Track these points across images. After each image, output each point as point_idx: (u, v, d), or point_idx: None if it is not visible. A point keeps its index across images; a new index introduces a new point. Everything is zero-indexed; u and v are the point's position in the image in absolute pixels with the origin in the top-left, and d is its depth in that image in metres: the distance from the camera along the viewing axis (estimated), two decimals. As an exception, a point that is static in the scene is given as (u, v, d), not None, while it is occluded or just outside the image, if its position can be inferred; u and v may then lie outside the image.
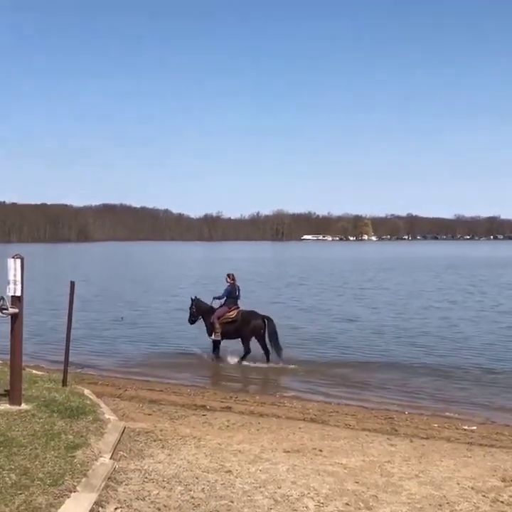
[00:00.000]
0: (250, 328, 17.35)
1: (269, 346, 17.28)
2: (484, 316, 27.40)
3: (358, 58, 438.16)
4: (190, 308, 18.35)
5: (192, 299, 18.43)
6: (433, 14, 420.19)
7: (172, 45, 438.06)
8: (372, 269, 67.52)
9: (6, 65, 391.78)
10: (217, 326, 17.49)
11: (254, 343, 17.48)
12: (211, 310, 17.92)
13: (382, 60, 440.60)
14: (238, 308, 17.83)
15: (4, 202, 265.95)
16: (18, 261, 9.01)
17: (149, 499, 6.81)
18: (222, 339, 17.73)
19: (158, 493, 6.98)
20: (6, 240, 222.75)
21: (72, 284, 11.04)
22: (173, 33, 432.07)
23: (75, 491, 6.46)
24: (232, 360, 17.29)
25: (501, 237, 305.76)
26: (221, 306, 17.88)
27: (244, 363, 17.07)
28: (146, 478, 7.47)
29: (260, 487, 7.29)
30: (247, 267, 69.46)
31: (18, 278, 8.99)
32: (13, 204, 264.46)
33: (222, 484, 7.36)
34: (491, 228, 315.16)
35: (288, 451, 8.86)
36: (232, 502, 6.83)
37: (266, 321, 17.43)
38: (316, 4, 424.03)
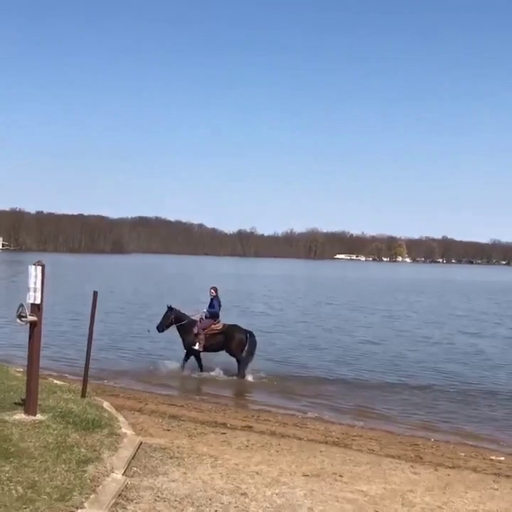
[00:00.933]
0: (236, 341, 17.55)
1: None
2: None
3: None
4: (166, 316, 18.13)
5: (169, 307, 18.27)
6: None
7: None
8: (406, 291, 66.58)
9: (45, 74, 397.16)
10: (201, 336, 17.50)
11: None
12: (192, 322, 17.90)
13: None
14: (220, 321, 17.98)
15: (42, 211, 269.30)
16: (39, 268, 8.88)
17: (159, 520, 6.58)
18: (204, 351, 17.79)
19: (168, 514, 6.75)
20: (42, 249, 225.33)
21: (95, 294, 10.91)
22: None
23: (82, 508, 6.24)
24: (249, 377, 17.17)
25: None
26: (206, 318, 17.85)
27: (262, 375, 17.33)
28: (158, 497, 7.24)
29: (275, 512, 7.02)
30: (276, 284, 69.27)
31: (39, 285, 8.85)
32: (50, 214, 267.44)
33: (235, 507, 7.10)
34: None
35: (307, 475, 8.57)
36: (245, 527, 6.57)
37: (248, 335, 17.72)
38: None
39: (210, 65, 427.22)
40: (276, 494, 7.63)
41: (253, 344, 17.60)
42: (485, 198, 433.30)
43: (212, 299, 17.76)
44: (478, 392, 16.84)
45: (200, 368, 17.76)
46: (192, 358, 17.83)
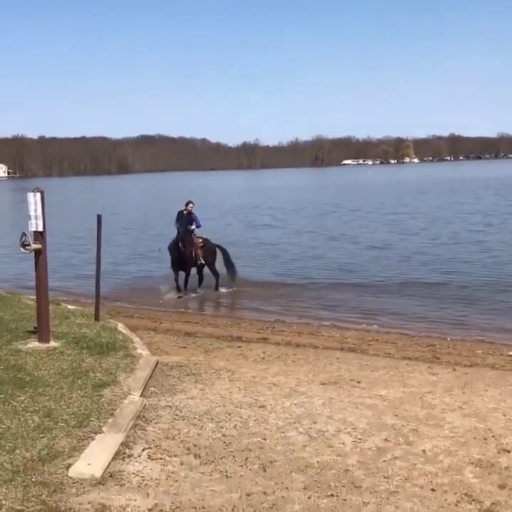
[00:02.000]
0: (214, 253, 17.54)
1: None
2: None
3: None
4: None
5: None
6: None
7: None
8: (411, 192, 65.60)
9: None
10: (199, 252, 17.11)
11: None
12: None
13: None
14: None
15: (44, 136, 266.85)
16: (38, 195, 8.66)
17: (179, 438, 6.57)
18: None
19: (188, 432, 6.74)
20: (48, 174, 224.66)
21: (99, 217, 10.73)
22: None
23: (100, 433, 6.23)
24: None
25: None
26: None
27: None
28: (177, 415, 7.24)
29: (295, 423, 7.01)
30: (282, 195, 68.63)
31: (39, 212, 8.67)
32: (53, 138, 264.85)
33: (255, 420, 7.10)
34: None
35: (325, 384, 8.55)
36: (264, 439, 6.56)
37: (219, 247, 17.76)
38: None
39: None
40: (295, 404, 7.62)
41: (227, 254, 17.68)
42: (491, 92, 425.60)
43: (192, 214, 17.20)
44: (489, 288, 16.74)
45: (201, 283, 17.53)
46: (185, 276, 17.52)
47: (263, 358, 10.08)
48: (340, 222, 36.59)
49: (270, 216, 41.68)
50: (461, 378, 8.88)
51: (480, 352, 10.85)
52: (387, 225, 34.11)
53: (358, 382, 8.58)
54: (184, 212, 16.99)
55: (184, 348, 10.88)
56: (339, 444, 6.42)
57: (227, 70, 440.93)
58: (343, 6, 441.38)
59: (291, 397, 7.92)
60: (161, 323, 13.41)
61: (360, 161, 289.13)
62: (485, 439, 6.49)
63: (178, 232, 16.99)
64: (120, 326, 11.14)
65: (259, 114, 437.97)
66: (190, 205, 17.07)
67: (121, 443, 6.20)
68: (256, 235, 31.00)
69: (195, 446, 6.37)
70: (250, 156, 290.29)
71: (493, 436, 6.56)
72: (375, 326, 13.30)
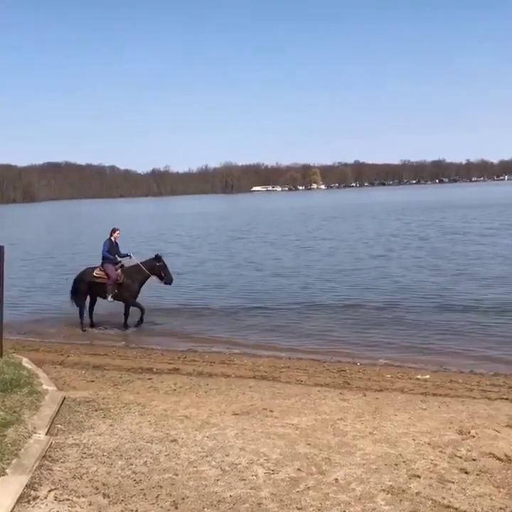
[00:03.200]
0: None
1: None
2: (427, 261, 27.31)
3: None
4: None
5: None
6: None
7: None
8: (317, 219, 66.42)
9: None
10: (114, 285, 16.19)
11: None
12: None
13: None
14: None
15: None
16: None
17: (87, 477, 6.34)
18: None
19: (97, 470, 6.52)
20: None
21: (1, 249, 10.37)
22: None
23: (3, 475, 5.95)
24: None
25: (446, 180, 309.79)
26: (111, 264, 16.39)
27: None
28: (85, 453, 7.00)
29: (207, 456, 6.89)
30: (190, 222, 68.40)
31: None
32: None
33: (166, 455, 6.93)
34: (437, 172, 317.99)
35: (237, 414, 8.46)
36: (176, 475, 6.41)
37: None
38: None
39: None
40: (207, 437, 7.50)
41: None
42: (394, 120, 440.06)
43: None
44: (394, 314, 16.97)
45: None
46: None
47: (174, 390, 9.91)
48: (246, 248, 36.34)
49: (176, 244, 41.03)
50: (371, 403, 8.97)
51: (389, 376, 11.01)
52: (293, 251, 34.15)
53: (271, 411, 8.53)
54: (113, 240, 16.28)
55: (92, 381, 10.59)
56: (252, 476, 6.33)
57: (135, 94, 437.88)
58: (241, 26, 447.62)
59: (203, 429, 7.80)
60: (68, 356, 13.03)
61: (269, 188, 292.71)
62: (396, 464, 6.54)
63: (104, 261, 16.15)
64: (25, 361, 10.76)
65: (168, 140, 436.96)
66: (118, 232, 16.43)
67: (26, 485, 5.93)
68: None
69: (103, 485, 6.16)
70: (160, 183, 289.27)
71: (403, 461, 6.62)
72: (287, 352, 13.31)
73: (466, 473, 6.34)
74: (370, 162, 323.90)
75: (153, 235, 49.30)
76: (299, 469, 6.46)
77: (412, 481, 6.14)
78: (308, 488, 6.05)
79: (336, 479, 6.21)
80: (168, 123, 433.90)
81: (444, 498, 5.80)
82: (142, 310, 16.04)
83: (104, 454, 6.96)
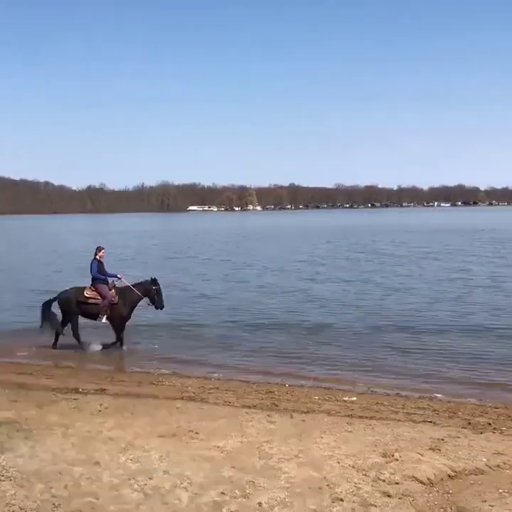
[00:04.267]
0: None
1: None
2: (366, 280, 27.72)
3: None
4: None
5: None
6: None
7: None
8: (251, 239, 66.70)
9: None
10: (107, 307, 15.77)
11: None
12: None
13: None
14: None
15: None
16: None
17: (4, 501, 6.17)
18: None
19: (14, 494, 6.35)
20: None
21: None
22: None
23: None
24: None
25: (378, 204, 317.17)
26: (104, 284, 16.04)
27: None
28: (3, 475, 6.82)
29: (130, 479, 6.77)
30: (123, 240, 67.50)
31: None
32: None
33: (87, 478, 6.79)
34: (369, 196, 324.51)
35: (163, 436, 8.35)
36: (97, 499, 6.28)
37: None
38: None
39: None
40: (131, 460, 7.38)
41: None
42: (329, 144, 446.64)
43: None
44: (322, 333, 17.18)
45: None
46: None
47: (100, 411, 9.71)
48: (177, 269, 35.61)
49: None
50: (298, 426, 8.97)
51: (317, 398, 11.05)
52: (224, 272, 33.81)
53: (197, 434, 8.44)
54: (99, 259, 15.88)
55: (15, 402, 10.28)
56: (175, 500, 6.25)
57: (71, 109, 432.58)
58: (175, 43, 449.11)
59: (127, 451, 7.66)
60: (-9, 375, 12.64)
61: (206, 208, 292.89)
62: (320, 488, 6.55)
63: (96, 282, 15.68)
64: None
65: (104, 157, 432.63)
66: (103, 251, 16.05)
67: None
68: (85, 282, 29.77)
69: (21, 509, 6.01)
70: (95, 200, 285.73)
71: (327, 485, 6.63)
72: (217, 374, 13.24)
73: (388, 496, 6.39)
74: (305, 185, 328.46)
75: (83, 253, 48.31)
76: (222, 493, 6.40)
77: (335, 505, 6.15)
78: (232, 512, 6.00)
79: (260, 503, 6.18)
80: (104, 139, 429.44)
81: (366, 521, 5.83)
82: (120, 339, 15.71)
83: (23, 476, 6.77)
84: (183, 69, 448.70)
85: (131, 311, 15.92)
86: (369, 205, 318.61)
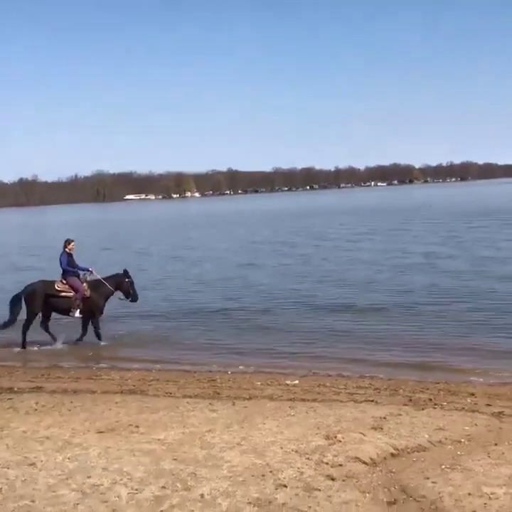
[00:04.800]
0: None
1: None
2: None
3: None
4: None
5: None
6: None
7: None
8: (189, 227, 66.19)
9: None
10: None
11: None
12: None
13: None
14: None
15: None
16: None
17: None
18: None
19: None
20: None
21: None
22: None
23: None
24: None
25: (316, 186, 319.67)
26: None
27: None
28: None
29: (67, 479, 6.55)
30: (57, 233, 65.95)
31: None
32: None
33: (23, 480, 6.55)
34: (307, 179, 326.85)
35: (102, 432, 8.13)
36: (33, 501, 6.05)
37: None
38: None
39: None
40: (69, 458, 7.15)
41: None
42: (266, 127, 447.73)
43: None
44: (259, 320, 17.09)
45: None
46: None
47: (36, 410, 9.40)
48: (111, 261, 34.75)
49: (36, 257, 38.33)
50: (240, 413, 8.85)
51: (259, 383, 10.95)
52: (160, 261, 33.34)
53: (137, 427, 8.25)
54: (68, 251, 15.30)
55: None
56: (114, 497, 6.06)
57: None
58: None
59: (64, 450, 7.42)
60: None
61: (143, 196, 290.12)
62: (263, 475, 6.45)
63: (66, 274, 15.13)
64: None
65: (36, 147, 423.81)
66: (72, 244, 15.42)
67: None
68: (19, 278, 28.90)
69: (-49, 519, 5.71)
70: (28, 193, 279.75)
71: (270, 471, 6.53)
72: (157, 365, 13.02)
73: (332, 479, 6.33)
74: (243, 170, 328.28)
75: (13, 249, 47.35)
76: (163, 487, 6.24)
77: (279, 492, 6.06)
78: (173, 506, 5.85)
79: (202, 495, 6.04)
80: (34, 129, 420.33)
81: (310, 507, 5.76)
82: (98, 334, 15.25)
83: (-46, 483, 6.48)
84: (119, 53, 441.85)
85: (104, 304, 15.47)
86: (308, 187, 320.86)
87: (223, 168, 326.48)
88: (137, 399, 9.95)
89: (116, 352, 14.49)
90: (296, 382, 10.99)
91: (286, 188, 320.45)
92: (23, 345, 14.97)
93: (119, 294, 15.64)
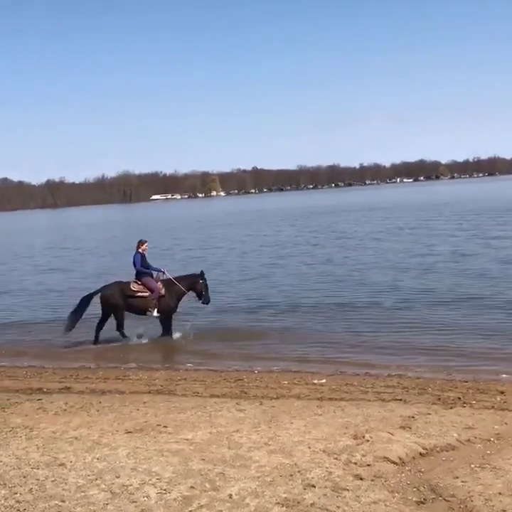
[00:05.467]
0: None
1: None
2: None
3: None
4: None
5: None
6: None
7: None
8: (214, 226, 66.14)
9: None
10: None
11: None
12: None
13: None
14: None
15: None
16: None
17: (-35, 511, 5.92)
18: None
19: (-23, 502, 6.10)
20: None
21: None
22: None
23: None
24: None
25: (341, 184, 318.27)
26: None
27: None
28: (-35, 484, 6.56)
29: (96, 479, 6.59)
30: (84, 234, 66.52)
31: None
32: None
33: (53, 481, 6.60)
34: (332, 176, 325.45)
35: (130, 432, 8.17)
36: (63, 501, 6.10)
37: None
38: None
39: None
40: (97, 459, 7.19)
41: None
42: (290, 126, 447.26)
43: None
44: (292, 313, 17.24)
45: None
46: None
47: (65, 410, 9.48)
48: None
49: (62, 258, 39.01)
50: (267, 412, 8.84)
51: (286, 383, 10.92)
52: (184, 261, 32.41)
53: (165, 427, 8.28)
54: (142, 252, 15.48)
55: (-24, 406, 10.01)
56: (143, 497, 6.08)
57: (24, 104, 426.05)
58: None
59: (93, 450, 7.47)
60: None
61: (169, 196, 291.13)
62: (291, 475, 6.44)
63: (141, 275, 15.33)
64: None
65: (63, 150, 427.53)
66: (146, 244, 15.63)
67: None
68: (42, 279, 29.02)
69: (-17, 519, 5.77)
70: (55, 194, 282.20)
71: (298, 471, 6.52)
72: (188, 364, 13.08)
73: (360, 479, 6.30)
74: (268, 168, 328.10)
75: (40, 250, 47.80)
76: (192, 487, 6.26)
77: (307, 492, 6.04)
78: (201, 506, 5.86)
79: (230, 495, 6.04)
80: (62, 133, 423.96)
81: (338, 507, 5.74)
82: (170, 331, 15.50)
83: (-14, 484, 6.55)
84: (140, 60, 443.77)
85: (178, 303, 15.67)
86: (333, 185, 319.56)
87: (248, 167, 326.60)
88: (165, 399, 9.99)
89: (144, 351, 14.54)
90: (324, 381, 10.95)
91: (311, 186, 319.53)
92: (127, 340, 15.30)
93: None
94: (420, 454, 7.00)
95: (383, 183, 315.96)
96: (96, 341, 15.31)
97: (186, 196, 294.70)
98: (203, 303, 15.80)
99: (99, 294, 15.38)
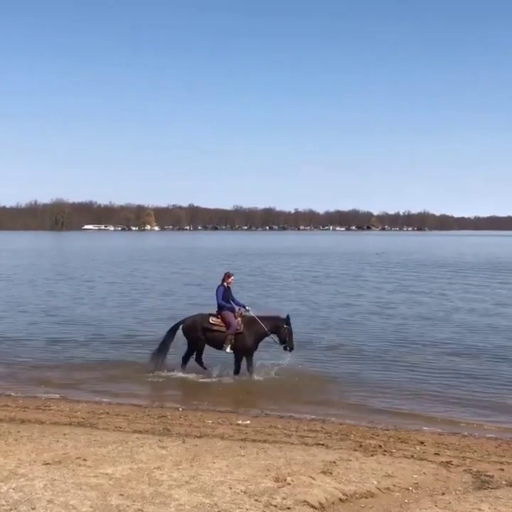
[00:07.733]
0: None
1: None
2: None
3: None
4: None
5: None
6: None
7: None
8: (140, 260, 65.93)
9: None
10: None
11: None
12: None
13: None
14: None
15: None
16: None
17: None
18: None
19: None
20: None
21: None
22: None
23: None
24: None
25: (276, 227, 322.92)
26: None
27: None
28: None
29: (11, 510, 6.40)
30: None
31: None
32: None
33: (-36, 512, 6.36)
34: (267, 219, 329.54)
35: (48, 463, 7.98)
36: (-26, 532, 5.89)
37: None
38: None
39: None
40: (13, 489, 6.99)
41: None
42: (228, 167, 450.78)
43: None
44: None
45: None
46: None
47: (-19, 438, 9.21)
48: (42, 292, 33.54)
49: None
50: (190, 451, 8.77)
51: (210, 422, 10.90)
52: (96, 296, 31.98)
53: (85, 460, 8.11)
54: (226, 285, 14.97)
55: None
56: (59, 531, 5.94)
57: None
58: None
59: (9, 480, 7.26)
60: None
61: (102, 227, 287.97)
62: (210, 515, 6.40)
63: (221, 309, 14.82)
64: None
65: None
66: (231, 278, 15.10)
67: None
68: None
69: None
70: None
71: (218, 511, 6.48)
72: (107, 398, 12.86)
73: (279, 522, 6.31)
74: (204, 206, 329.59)
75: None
76: (109, 523, 6.15)
77: (226, 532, 6.01)
78: (117, 543, 5.75)
79: (148, 532, 5.96)
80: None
81: (256, 548, 5.72)
82: (251, 368, 14.90)
83: None
84: (87, 87, 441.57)
85: (257, 343, 14.97)
86: (267, 227, 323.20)
87: (184, 204, 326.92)
88: (86, 432, 9.83)
89: (68, 383, 14.24)
90: (248, 422, 10.96)
91: (245, 227, 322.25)
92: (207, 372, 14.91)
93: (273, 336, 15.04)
94: (340, 499, 7.07)
95: (316, 229, 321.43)
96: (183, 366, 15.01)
97: (119, 228, 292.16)
98: (284, 348, 14.88)
99: (183, 325, 15.07)
